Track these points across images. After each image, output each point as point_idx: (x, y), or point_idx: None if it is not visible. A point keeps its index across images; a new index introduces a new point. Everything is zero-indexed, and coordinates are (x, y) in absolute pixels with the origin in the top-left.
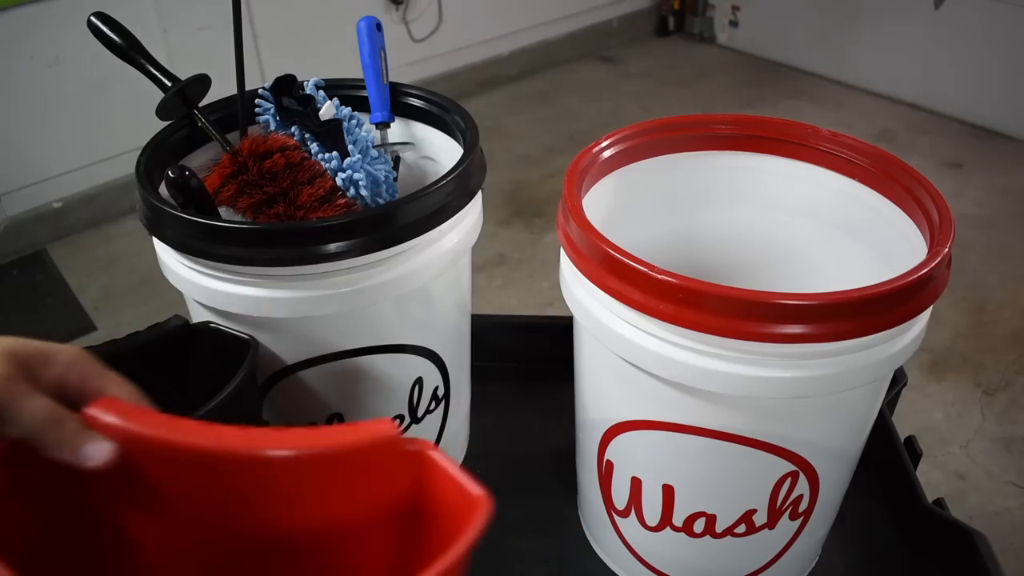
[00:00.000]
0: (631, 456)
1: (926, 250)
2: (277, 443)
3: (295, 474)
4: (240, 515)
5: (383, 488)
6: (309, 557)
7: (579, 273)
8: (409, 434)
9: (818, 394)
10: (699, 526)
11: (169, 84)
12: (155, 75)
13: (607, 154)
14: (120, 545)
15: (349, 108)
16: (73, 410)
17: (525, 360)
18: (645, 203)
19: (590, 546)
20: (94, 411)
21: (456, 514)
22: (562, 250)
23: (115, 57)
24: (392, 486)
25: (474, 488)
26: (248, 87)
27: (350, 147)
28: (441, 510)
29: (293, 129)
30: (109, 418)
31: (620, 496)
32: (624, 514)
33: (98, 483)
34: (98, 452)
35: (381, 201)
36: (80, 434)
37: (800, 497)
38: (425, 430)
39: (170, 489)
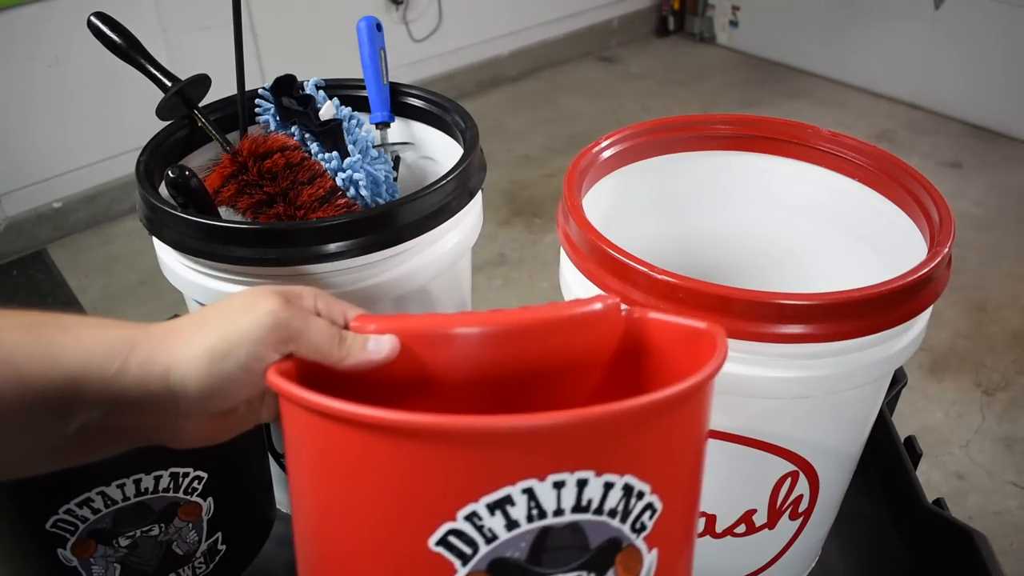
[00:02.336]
0: None
1: (926, 250)
2: (520, 318)
3: (533, 337)
4: (491, 367)
5: (603, 338)
6: (545, 386)
7: (579, 273)
8: None
9: (818, 394)
10: (699, 526)
11: (169, 84)
12: (155, 75)
13: (607, 154)
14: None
15: (349, 108)
16: None
17: None
18: (645, 203)
19: None
20: (359, 324)
21: (680, 346)
22: (562, 250)
23: (115, 57)
24: (610, 337)
25: (700, 324)
26: (248, 87)
27: (350, 147)
28: (661, 347)
29: (293, 129)
30: (375, 325)
31: None
32: None
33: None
34: (383, 345)
35: (381, 201)
36: (360, 339)
37: (800, 497)
38: None
39: (434, 365)
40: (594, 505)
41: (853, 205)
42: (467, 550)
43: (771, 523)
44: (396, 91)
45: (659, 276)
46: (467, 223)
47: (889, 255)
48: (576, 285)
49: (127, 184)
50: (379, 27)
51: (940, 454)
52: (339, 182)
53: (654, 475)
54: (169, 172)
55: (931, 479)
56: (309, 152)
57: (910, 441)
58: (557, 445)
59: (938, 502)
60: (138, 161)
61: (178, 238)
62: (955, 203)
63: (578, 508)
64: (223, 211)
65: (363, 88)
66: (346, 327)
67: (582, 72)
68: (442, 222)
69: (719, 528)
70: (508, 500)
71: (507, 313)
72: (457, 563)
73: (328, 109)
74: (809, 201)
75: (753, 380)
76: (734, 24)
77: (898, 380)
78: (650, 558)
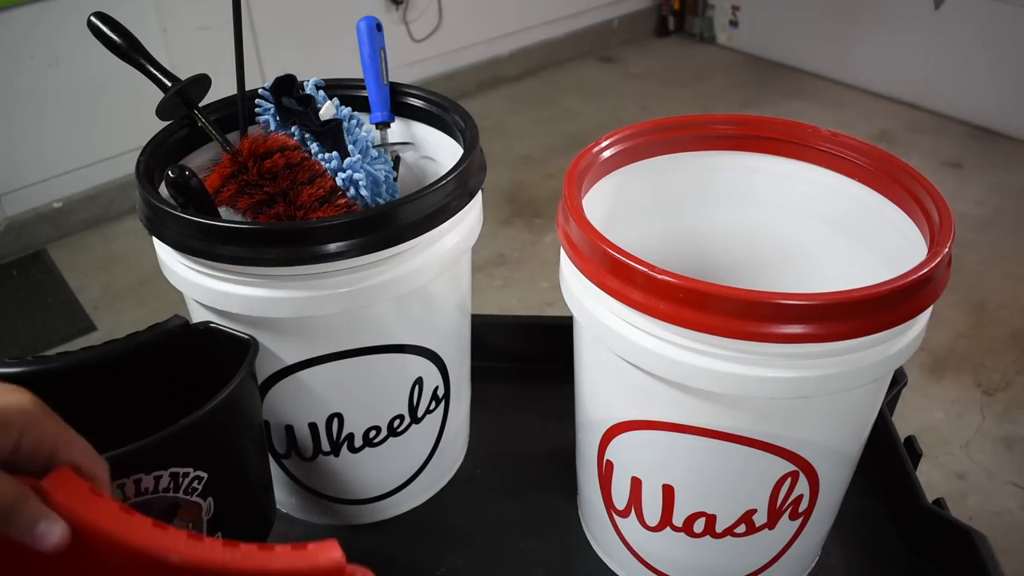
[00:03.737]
0: (631, 456)
1: (926, 250)
2: (222, 559)
3: None
4: None
5: None
6: None
7: (579, 273)
8: (409, 433)
9: (818, 394)
10: (699, 526)
11: (169, 84)
12: (155, 75)
13: (607, 154)
14: None
15: (349, 108)
16: (26, 472)
17: (525, 360)
18: (645, 203)
19: (590, 546)
20: (51, 486)
21: None
22: (562, 250)
23: (115, 57)
24: None
25: None
26: (248, 87)
27: (350, 147)
28: None
29: (293, 129)
30: (64, 498)
31: (620, 496)
32: (624, 514)
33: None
34: (52, 535)
35: (381, 201)
36: (36, 515)
37: (800, 497)
38: (425, 430)
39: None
40: None
41: (853, 205)
42: None
43: (771, 523)
44: (396, 91)
45: (659, 276)
46: (467, 223)
47: (889, 255)
48: (576, 285)
49: (127, 184)
50: (379, 27)
51: (940, 454)
52: (339, 182)
53: None
54: (169, 172)
55: (931, 479)
56: (309, 152)
57: (910, 441)
58: None
59: (938, 502)
60: (138, 161)
61: (178, 238)
62: (955, 203)
63: None
64: (223, 211)
65: (363, 88)
66: (47, 469)
67: (582, 72)
68: (442, 222)
69: (719, 528)
70: None
71: (221, 552)
72: None
73: (328, 109)
74: (809, 201)
75: (753, 380)
76: (734, 24)
77: (898, 380)
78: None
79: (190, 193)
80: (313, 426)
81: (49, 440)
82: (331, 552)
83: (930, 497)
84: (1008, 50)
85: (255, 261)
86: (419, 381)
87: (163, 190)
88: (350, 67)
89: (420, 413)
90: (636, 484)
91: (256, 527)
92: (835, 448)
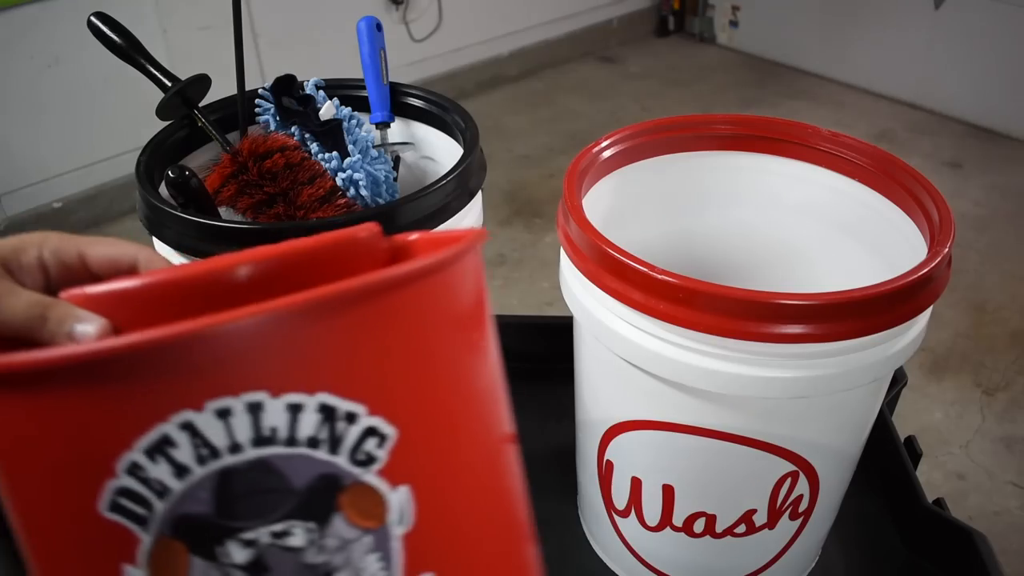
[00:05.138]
0: (631, 456)
1: (926, 250)
2: (275, 250)
3: (288, 274)
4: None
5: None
6: None
7: (579, 273)
8: None
9: (818, 394)
10: (699, 526)
11: (169, 84)
12: (155, 75)
13: (607, 154)
14: None
15: (349, 108)
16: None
17: (525, 360)
18: (645, 203)
19: (590, 546)
20: (72, 293)
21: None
22: (562, 250)
23: (115, 57)
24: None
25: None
26: (248, 87)
27: (350, 147)
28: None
29: (293, 129)
30: (90, 291)
31: (620, 496)
32: (624, 514)
33: None
34: (89, 332)
35: (381, 201)
36: (67, 319)
37: (800, 497)
38: None
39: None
40: (281, 434)
41: (853, 205)
42: (141, 511)
43: (771, 523)
44: (396, 91)
45: (659, 276)
46: (467, 223)
47: (889, 255)
48: (576, 285)
49: (127, 184)
50: (379, 27)
51: (940, 454)
52: (339, 182)
53: (367, 391)
54: (169, 172)
55: (931, 479)
56: (309, 152)
57: (910, 441)
58: (202, 364)
59: (938, 502)
60: (138, 161)
61: (178, 238)
62: (955, 203)
63: (260, 440)
64: (223, 211)
65: (363, 88)
66: (78, 272)
67: (582, 72)
68: (442, 222)
69: (719, 528)
70: (167, 441)
71: (259, 249)
72: (136, 529)
73: (328, 109)
74: (809, 201)
75: (753, 380)
76: (734, 24)
77: (898, 380)
78: (398, 497)
79: (190, 193)
80: None
81: (71, 243)
82: (368, 226)
83: (930, 497)
84: (1008, 50)
85: None
86: None
87: (163, 190)
88: (350, 67)
89: None
90: (636, 484)
91: None
92: (835, 448)
